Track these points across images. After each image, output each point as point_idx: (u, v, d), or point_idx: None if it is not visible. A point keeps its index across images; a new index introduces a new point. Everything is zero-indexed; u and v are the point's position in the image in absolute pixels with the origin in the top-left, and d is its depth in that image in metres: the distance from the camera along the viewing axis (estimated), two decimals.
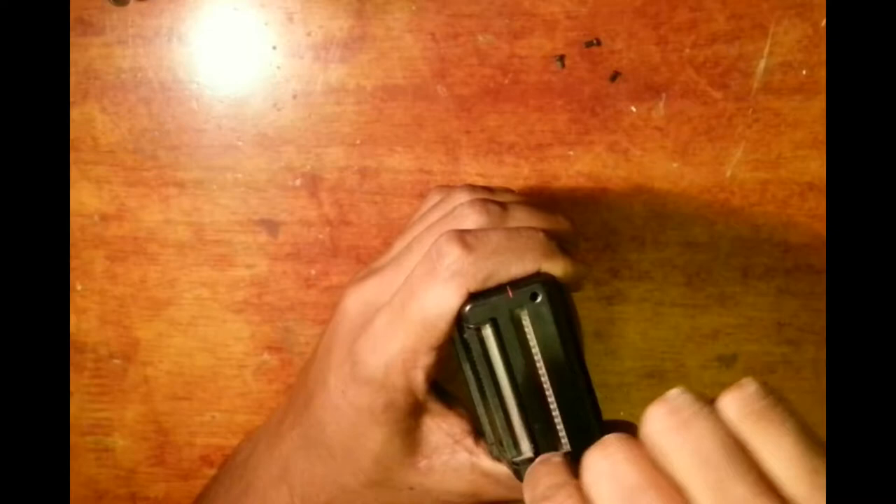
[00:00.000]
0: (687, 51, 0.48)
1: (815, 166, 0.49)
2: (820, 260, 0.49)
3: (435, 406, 0.39)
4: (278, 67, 0.48)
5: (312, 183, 0.49)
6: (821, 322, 0.50)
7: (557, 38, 0.48)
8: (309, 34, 0.48)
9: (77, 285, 0.50)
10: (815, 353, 0.51)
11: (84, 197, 0.49)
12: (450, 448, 0.40)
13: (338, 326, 0.41)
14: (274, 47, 0.48)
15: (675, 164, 0.49)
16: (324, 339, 0.42)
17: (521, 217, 0.38)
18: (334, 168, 0.49)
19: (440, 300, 0.36)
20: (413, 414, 0.39)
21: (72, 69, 0.48)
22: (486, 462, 0.40)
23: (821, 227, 0.49)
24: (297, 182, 0.49)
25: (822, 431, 0.39)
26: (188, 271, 0.50)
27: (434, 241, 0.37)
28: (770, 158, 0.49)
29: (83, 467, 0.52)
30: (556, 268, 0.37)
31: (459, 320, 0.37)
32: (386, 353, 0.38)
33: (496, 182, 0.49)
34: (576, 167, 0.49)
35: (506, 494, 0.40)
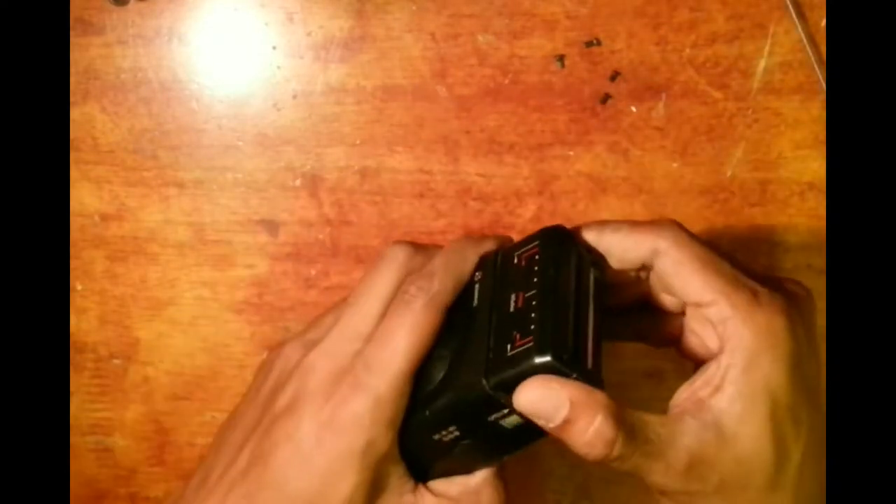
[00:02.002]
0: (687, 51, 0.48)
1: (815, 166, 0.49)
2: (820, 260, 0.49)
3: (394, 450, 0.40)
4: (278, 67, 0.48)
5: (312, 183, 0.49)
6: (820, 322, 0.50)
7: (557, 38, 0.48)
8: (309, 34, 0.48)
9: (77, 285, 0.50)
10: None
11: (84, 197, 0.49)
12: (398, 491, 0.40)
13: (306, 380, 0.40)
14: (274, 47, 0.48)
15: (674, 164, 0.49)
16: (281, 397, 0.41)
17: (435, 248, 0.42)
18: (334, 168, 0.49)
19: (424, 325, 0.39)
20: (386, 457, 0.39)
21: (72, 69, 0.48)
22: (429, 498, 0.41)
23: (821, 226, 0.49)
24: (298, 182, 0.49)
25: (819, 369, 0.39)
26: (188, 271, 0.50)
27: (401, 290, 0.40)
28: (770, 158, 0.49)
29: (83, 467, 0.52)
30: (489, 244, 0.42)
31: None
32: (376, 387, 0.38)
33: (496, 182, 0.49)
34: (576, 167, 0.49)
35: None
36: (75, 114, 0.48)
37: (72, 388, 0.51)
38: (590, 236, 0.40)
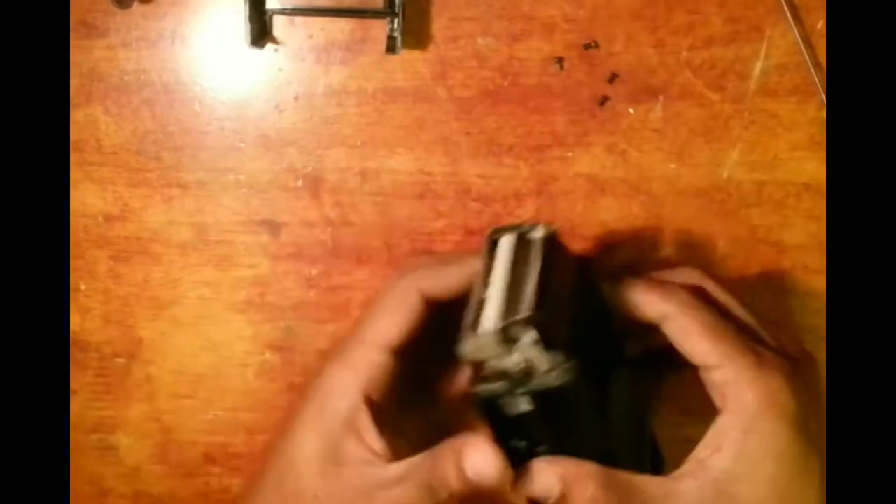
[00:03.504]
0: (684, 53, 0.48)
1: (812, 167, 0.49)
2: (816, 260, 0.50)
3: (366, 420, 0.41)
4: (280, 70, 0.49)
5: (314, 184, 0.50)
6: (817, 321, 0.50)
7: (556, 41, 0.48)
8: (310, 37, 0.48)
9: (81, 285, 0.51)
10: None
11: (88, 198, 0.50)
12: (362, 460, 0.41)
13: None
14: (276, 50, 0.48)
15: (672, 166, 0.49)
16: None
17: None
18: (336, 169, 0.50)
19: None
20: (346, 424, 0.41)
21: (76, 71, 0.48)
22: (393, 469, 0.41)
23: (817, 227, 0.49)
24: (299, 183, 0.50)
25: (822, 430, 0.40)
26: (191, 271, 0.51)
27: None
28: (766, 160, 0.49)
29: (87, 465, 0.52)
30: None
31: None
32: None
33: (495, 183, 0.49)
34: (574, 168, 0.49)
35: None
36: (79, 116, 0.49)
37: (75, 387, 0.52)
38: (606, 287, 0.43)
